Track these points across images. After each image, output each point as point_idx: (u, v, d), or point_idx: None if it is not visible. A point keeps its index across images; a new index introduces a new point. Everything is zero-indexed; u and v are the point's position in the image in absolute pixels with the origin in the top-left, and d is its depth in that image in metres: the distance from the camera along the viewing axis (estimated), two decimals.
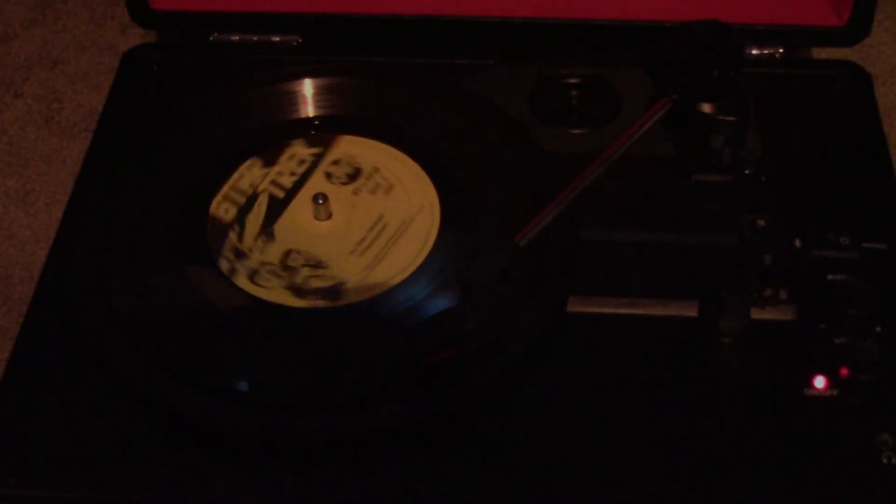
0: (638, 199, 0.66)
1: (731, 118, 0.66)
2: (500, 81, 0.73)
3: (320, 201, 0.64)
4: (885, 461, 0.55)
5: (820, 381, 0.58)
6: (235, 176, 0.67)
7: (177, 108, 0.71)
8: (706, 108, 0.67)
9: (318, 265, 0.62)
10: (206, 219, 0.65)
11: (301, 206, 0.65)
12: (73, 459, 0.56)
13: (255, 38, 0.77)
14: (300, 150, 0.68)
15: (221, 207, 0.65)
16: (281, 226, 0.64)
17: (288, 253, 0.63)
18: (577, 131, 0.70)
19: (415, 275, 0.61)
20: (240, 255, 0.63)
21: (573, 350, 0.59)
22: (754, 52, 0.74)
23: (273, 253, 0.63)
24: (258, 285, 0.61)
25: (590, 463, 0.55)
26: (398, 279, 0.61)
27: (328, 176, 0.66)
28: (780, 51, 0.74)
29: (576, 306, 0.61)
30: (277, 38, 0.77)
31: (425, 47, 0.75)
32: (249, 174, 0.67)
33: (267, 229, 0.64)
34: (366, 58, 0.75)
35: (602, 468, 0.55)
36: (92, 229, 0.64)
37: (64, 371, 0.59)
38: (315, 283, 0.61)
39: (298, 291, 0.61)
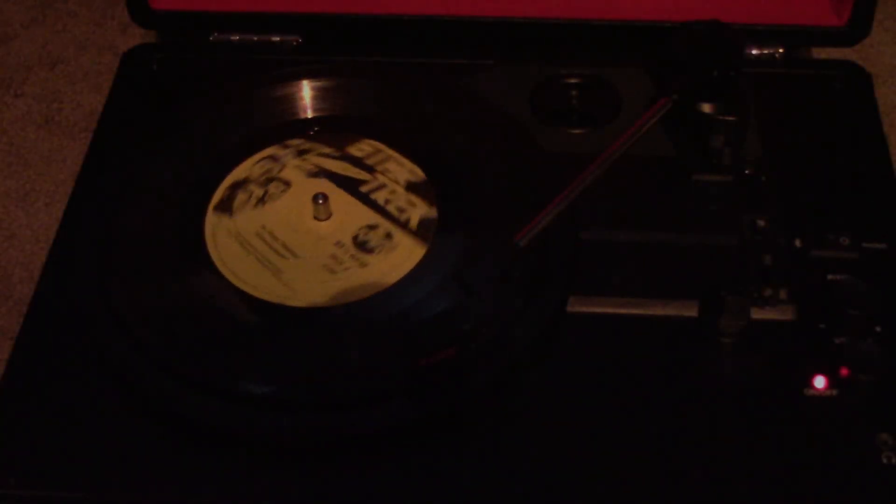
0: (638, 199, 0.66)
1: (731, 118, 0.66)
2: (500, 81, 0.73)
3: (320, 201, 0.64)
4: (885, 461, 0.55)
5: (820, 381, 0.58)
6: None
7: (177, 108, 0.71)
8: (706, 108, 0.67)
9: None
10: (206, 219, 0.65)
11: (299, 201, 0.65)
12: (73, 459, 0.56)
13: (255, 38, 0.77)
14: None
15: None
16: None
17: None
18: (577, 131, 0.70)
19: (414, 275, 0.61)
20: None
21: (573, 350, 0.59)
22: (754, 52, 0.74)
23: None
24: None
25: (590, 463, 0.55)
26: (398, 279, 0.61)
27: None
28: (780, 51, 0.74)
29: (576, 306, 0.61)
30: (277, 38, 0.77)
31: (425, 47, 0.75)
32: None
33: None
34: (366, 58, 0.75)
35: (602, 468, 0.55)
36: (92, 229, 0.64)
37: (64, 371, 0.59)
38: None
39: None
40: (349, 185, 0.66)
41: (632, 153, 0.64)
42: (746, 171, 0.67)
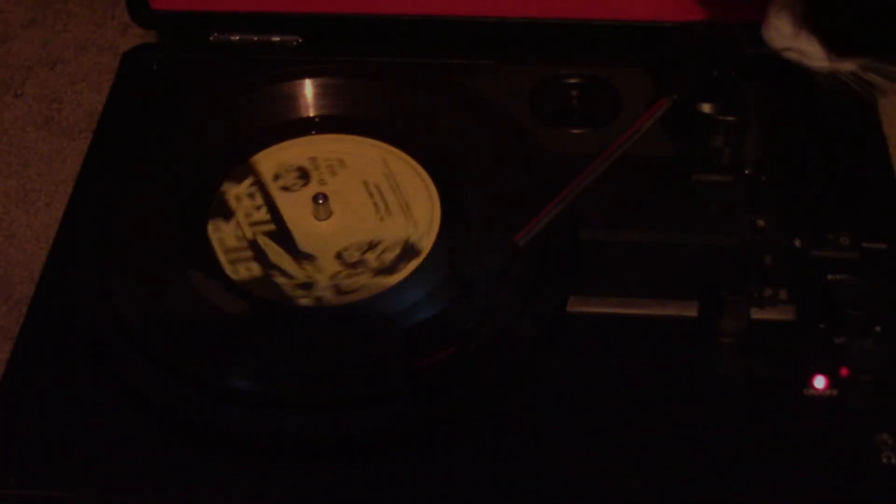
0: (638, 199, 0.66)
1: (731, 118, 0.66)
2: (500, 81, 0.73)
3: (320, 201, 0.64)
4: (885, 461, 0.55)
5: (820, 381, 0.58)
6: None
7: (177, 108, 0.71)
8: (706, 108, 0.67)
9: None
10: (206, 219, 0.65)
11: (298, 207, 0.65)
12: (74, 459, 0.56)
13: (255, 38, 0.77)
14: (234, 190, 0.66)
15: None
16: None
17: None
18: (577, 131, 0.70)
19: (414, 275, 0.61)
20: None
21: (573, 350, 0.59)
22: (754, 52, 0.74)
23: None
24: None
25: (590, 463, 0.55)
26: (398, 279, 0.61)
27: (285, 189, 0.66)
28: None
29: (576, 306, 0.61)
30: (277, 38, 0.77)
31: (425, 47, 0.75)
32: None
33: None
34: (366, 58, 0.75)
35: (602, 468, 0.55)
36: (92, 229, 0.64)
37: (64, 371, 0.59)
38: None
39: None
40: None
41: (632, 153, 0.64)
42: (746, 171, 0.67)
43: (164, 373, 0.57)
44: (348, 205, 0.65)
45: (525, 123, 0.70)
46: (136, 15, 0.77)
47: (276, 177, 0.66)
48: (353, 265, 0.62)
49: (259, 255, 0.62)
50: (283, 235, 0.63)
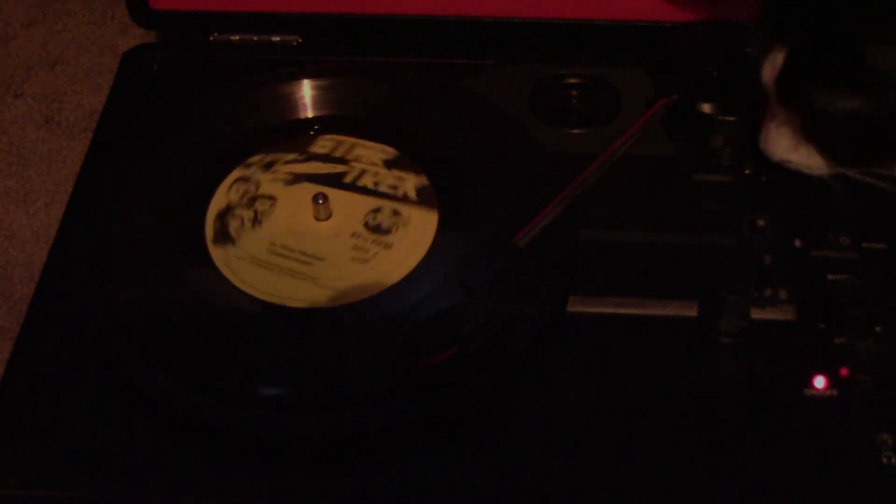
0: (638, 199, 0.66)
1: (731, 118, 0.66)
2: (500, 81, 0.73)
3: (320, 201, 0.64)
4: (885, 461, 0.55)
5: (820, 381, 0.58)
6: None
7: (177, 108, 0.71)
8: (706, 108, 0.67)
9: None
10: (206, 218, 0.65)
11: (299, 203, 0.65)
12: (73, 459, 0.56)
13: (255, 38, 0.77)
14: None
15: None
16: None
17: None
18: (577, 131, 0.70)
19: (414, 275, 0.61)
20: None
21: (573, 350, 0.59)
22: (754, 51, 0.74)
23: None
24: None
25: (590, 463, 0.55)
26: (398, 279, 0.61)
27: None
28: None
29: (576, 306, 0.61)
30: (277, 38, 0.77)
31: (425, 47, 0.75)
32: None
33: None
34: (366, 58, 0.75)
35: (602, 468, 0.55)
36: (92, 229, 0.64)
37: (64, 371, 0.59)
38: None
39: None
40: (332, 181, 0.66)
41: (632, 153, 0.64)
42: (746, 171, 0.67)
43: (164, 373, 0.57)
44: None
45: (525, 123, 0.70)
46: (136, 15, 0.77)
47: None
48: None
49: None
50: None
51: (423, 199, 0.64)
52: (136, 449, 0.56)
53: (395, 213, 0.64)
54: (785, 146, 0.61)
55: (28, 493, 0.55)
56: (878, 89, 0.56)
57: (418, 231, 0.63)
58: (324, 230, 0.64)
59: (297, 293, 0.61)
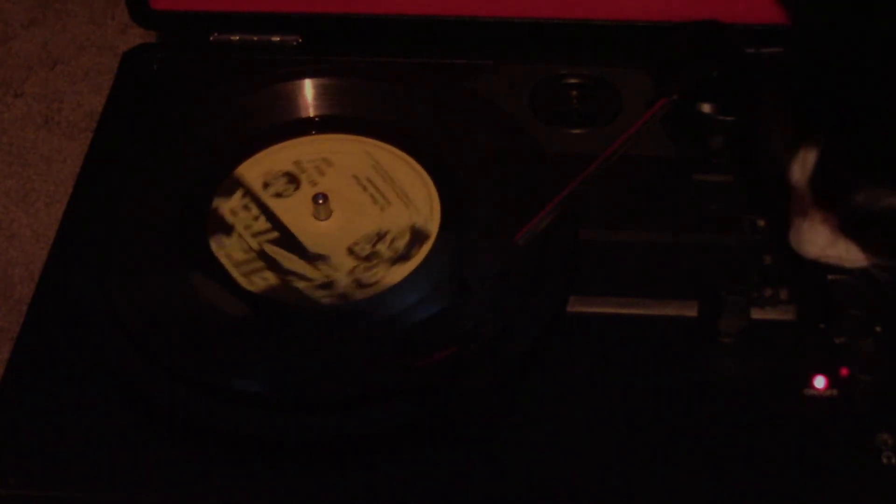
0: (638, 199, 0.66)
1: (731, 118, 0.66)
2: (500, 81, 0.73)
3: (320, 201, 0.64)
4: (885, 461, 0.55)
5: (820, 381, 0.58)
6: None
7: (177, 108, 0.71)
8: (706, 108, 0.67)
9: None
10: (206, 218, 0.65)
11: (296, 211, 0.65)
12: (73, 459, 0.56)
13: (255, 38, 0.77)
14: (226, 204, 0.65)
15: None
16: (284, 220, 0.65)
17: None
18: (577, 131, 0.70)
19: (414, 274, 0.61)
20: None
21: (573, 350, 0.59)
22: (754, 51, 0.74)
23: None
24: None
25: (590, 463, 0.55)
26: (397, 279, 0.61)
27: (278, 195, 0.66)
28: (781, 51, 0.74)
29: (576, 306, 0.61)
30: (277, 38, 0.77)
31: (425, 47, 0.75)
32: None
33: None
34: (366, 58, 0.75)
35: (602, 468, 0.55)
36: (92, 229, 0.64)
37: (64, 371, 0.59)
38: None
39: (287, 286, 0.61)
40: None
41: (632, 153, 0.64)
42: (747, 172, 0.67)
43: (164, 373, 0.57)
44: (346, 201, 0.65)
45: (525, 123, 0.70)
46: (136, 15, 0.77)
47: (266, 185, 0.66)
48: (368, 258, 0.62)
49: (271, 263, 0.62)
50: (289, 241, 0.63)
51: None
52: (136, 449, 0.56)
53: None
54: (821, 243, 0.59)
55: (28, 493, 0.55)
56: None
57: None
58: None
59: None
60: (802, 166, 0.56)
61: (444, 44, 0.75)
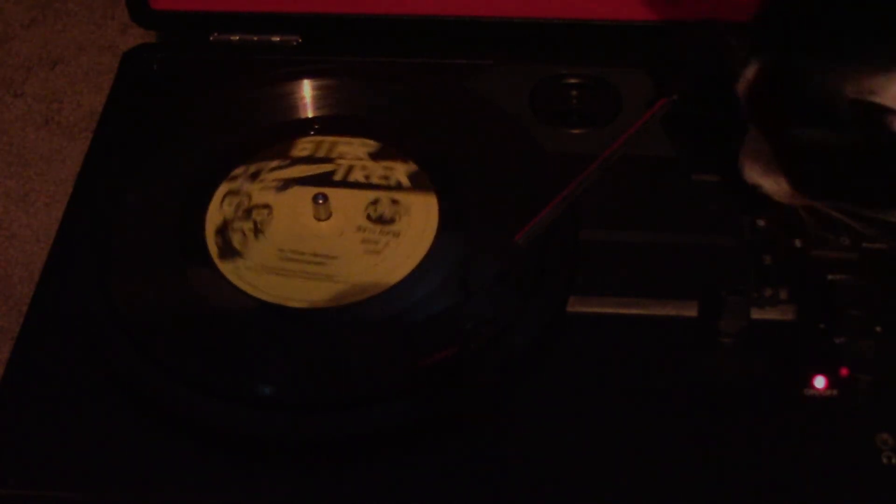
0: (638, 199, 0.66)
1: (730, 118, 0.66)
2: (500, 81, 0.73)
3: (320, 201, 0.64)
4: (885, 461, 0.55)
5: (820, 381, 0.58)
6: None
7: (177, 109, 0.71)
8: (706, 108, 0.66)
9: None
10: (206, 218, 0.65)
11: (296, 207, 0.65)
12: (73, 459, 0.56)
13: (255, 38, 0.77)
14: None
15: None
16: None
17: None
18: (577, 131, 0.70)
19: (414, 274, 0.61)
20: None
21: (573, 350, 0.59)
22: None
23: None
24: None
25: (590, 463, 0.55)
26: (397, 279, 0.61)
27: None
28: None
29: (576, 306, 0.61)
30: (277, 38, 0.77)
31: (425, 47, 0.75)
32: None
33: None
34: (366, 58, 0.75)
35: (602, 468, 0.55)
36: (92, 229, 0.64)
37: (64, 371, 0.59)
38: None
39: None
40: (323, 181, 0.66)
41: (632, 153, 0.64)
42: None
43: (165, 373, 0.57)
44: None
45: (525, 123, 0.70)
46: (136, 15, 0.77)
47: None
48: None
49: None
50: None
51: (417, 184, 0.65)
52: (136, 449, 0.56)
53: (394, 201, 0.64)
54: (758, 170, 0.60)
55: (28, 493, 0.55)
56: (847, 124, 0.54)
57: (421, 215, 0.63)
58: (327, 230, 0.64)
59: (315, 295, 0.61)
60: (745, 79, 0.57)
61: (444, 44, 0.75)
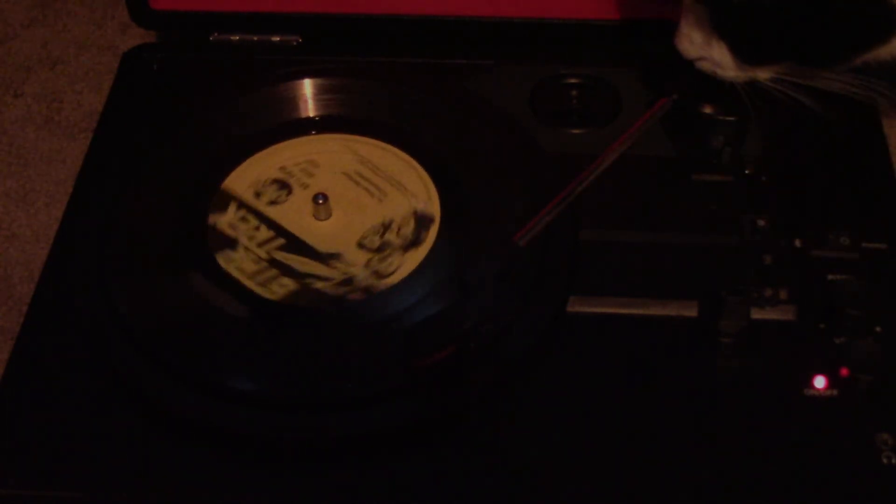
0: (638, 199, 0.66)
1: (731, 118, 0.66)
2: (500, 81, 0.73)
3: (320, 201, 0.64)
4: (885, 461, 0.55)
5: (820, 381, 0.58)
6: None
7: (177, 109, 0.71)
8: (706, 108, 0.67)
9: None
10: (206, 218, 0.64)
11: (296, 206, 0.65)
12: (73, 459, 0.56)
13: (255, 38, 0.77)
14: (223, 219, 0.65)
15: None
16: (278, 227, 0.64)
17: (286, 251, 0.63)
18: (577, 131, 0.70)
19: (414, 275, 0.61)
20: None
21: (573, 350, 0.59)
22: None
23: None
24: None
25: (590, 463, 0.55)
26: (397, 279, 0.61)
27: (273, 203, 0.65)
28: None
29: (576, 306, 0.61)
30: (277, 38, 0.77)
31: (425, 47, 0.75)
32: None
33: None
34: (366, 58, 0.75)
35: (602, 468, 0.55)
36: (92, 229, 0.64)
37: (64, 371, 0.59)
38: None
39: (304, 288, 0.61)
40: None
41: (632, 153, 0.64)
42: (746, 171, 0.67)
43: (164, 373, 0.57)
44: (342, 197, 0.65)
45: (525, 123, 0.69)
46: (136, 15, 0.77)
47: (257, 195, 0.66)
48: (380, 249, 0.62)
49: (285, 270, 0.62)
50: (297, 245, 0.63)
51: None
52: (136, 449, 0.56)
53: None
54: (697, 42, 0.60)
55: (28, 493, 0.55)
56: None
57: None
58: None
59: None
60: None
61: (444, 44, 0.75)
